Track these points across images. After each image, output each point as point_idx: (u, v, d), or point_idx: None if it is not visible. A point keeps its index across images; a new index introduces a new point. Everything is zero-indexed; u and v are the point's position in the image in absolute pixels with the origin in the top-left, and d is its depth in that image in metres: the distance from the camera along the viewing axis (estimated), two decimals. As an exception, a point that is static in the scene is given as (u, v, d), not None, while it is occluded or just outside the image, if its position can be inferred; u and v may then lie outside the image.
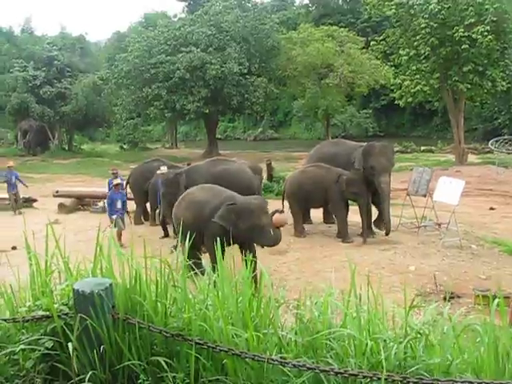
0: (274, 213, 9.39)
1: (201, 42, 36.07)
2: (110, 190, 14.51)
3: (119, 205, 13.26)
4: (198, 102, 35.10)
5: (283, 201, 13.93)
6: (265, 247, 9.63)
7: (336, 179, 12.88)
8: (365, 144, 13.72)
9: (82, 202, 18.30)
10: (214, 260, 7.42)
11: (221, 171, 13.03)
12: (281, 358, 2.39)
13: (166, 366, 2.52)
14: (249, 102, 37.28)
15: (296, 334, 2.58)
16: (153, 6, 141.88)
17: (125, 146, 47.66)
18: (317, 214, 14.34)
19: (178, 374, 2.50)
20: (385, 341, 2.40)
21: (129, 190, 15.74)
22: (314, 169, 13.76)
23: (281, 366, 2.37)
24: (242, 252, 8.80)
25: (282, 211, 9.31)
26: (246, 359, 2.41)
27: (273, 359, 2.35)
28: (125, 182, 15.46)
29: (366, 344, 2.37)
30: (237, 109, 38.97)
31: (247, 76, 36.33)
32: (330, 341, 2.47)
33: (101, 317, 2.57)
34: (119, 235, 12.22)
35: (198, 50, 35.19)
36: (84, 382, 2.48)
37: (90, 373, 2.52)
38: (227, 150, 41.72)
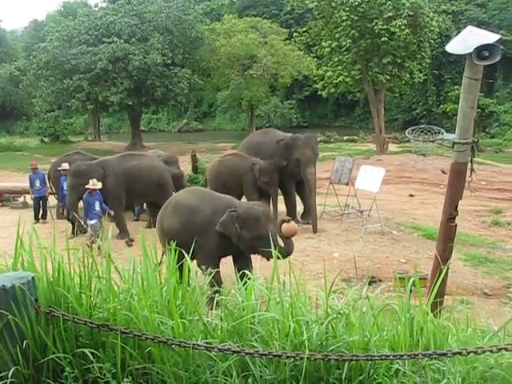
0: (282, 222, 8.28)
1: (123, 32, 35.40)
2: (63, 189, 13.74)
3: (97, 207, 11.74)
4: (121, 93, 34.44)
5: None
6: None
7: (251, 168, 13.03)
8: (284, 137, 13.74)
9: (1, 198, 17.62)
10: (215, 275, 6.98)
11: (131, 167, 12.98)
12: (206, 343, 2.43)
13: (91, 357, 2.50)
14: (173, 94, 36.92)
15: (221, 319, 2.62)
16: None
17: (45, 140, 46.10)
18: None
19: (105, 364, 2.49)
20: (307, 322, 2.48)
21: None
22: (230, 158, 14.02)
23: (207, 351, 2.41)
24: (234, 263, 8.46)
25: (289, 220, 8.44)
26: (173, 346, 2.43)
27: (199, 345, 2.38)
28: (46, 176, 15.06)
29: (289, 326, 2.45)
30: (161, 100, 38.52)
31: (171, 67, 35.92)
32: (254, 325, 2.54)
33: (23, 311, 2.52)
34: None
35: (121, 40, 34.51)
36: (6, 379, 2.43)
37: (13, 369, 2.47)
38: (152, 142, 41.20)
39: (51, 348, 2.55)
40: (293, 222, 8.58)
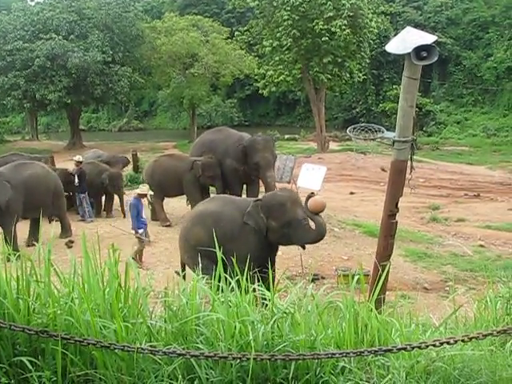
0: (308, 198, 7.49)
1: (62, 28, 34.54)
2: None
3: (144, 214, 10.87)
4: (59, 91, 33.55)
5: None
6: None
7: (189, 167, 12.94)
8: (239, 137, 13.57)
9: None
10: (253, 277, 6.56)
11: (28, 177, 11.71)
12: (151, 346, 2.38)
13: (30, 366, 2.41)
14: (113, 92, 36.30)
15: (165, 321, 2.58)
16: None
17: (-20, 139, 44.63)
18: (182, 203, 14.28)
19: (44, 372, 2.40)
20: (253, 322, 2.47)
21: None
22: (165, 158, 14.04)
23: (151, 355, 2.36)
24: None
25: (312, 193, 7.67)
26: (116, 350, 2.37)
27: (143, 348, 2.33)
28: None
29: (235, 327, 2.42)
30: (101, 99, 37.75)
31: (111, 65, 35.29)
32: (199, 326, 2.50)
33: (-46, 319, 2.41)
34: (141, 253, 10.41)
35: (59, 37, 33.59)
36: None
37: None
38: (92, 142, 40.44)
39: (-15, 358, 2.44)
40: (318, 196, 8.02)
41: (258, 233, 7.37)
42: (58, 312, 2.50)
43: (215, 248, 6.51)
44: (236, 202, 8.14)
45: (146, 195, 11.20)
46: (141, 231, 10.45)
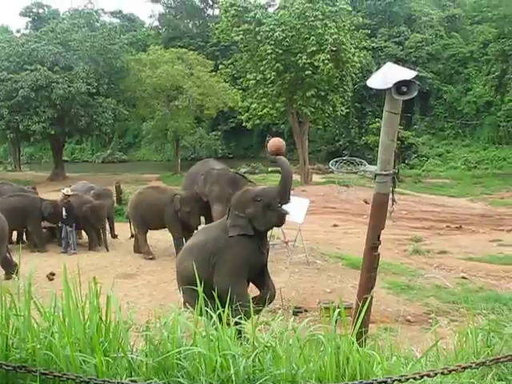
0: (266, 142, 7.31)
1: (47, 60, 34.62)
2: None
3: None
4: (43, 122, 33.53)
5: (130, 223, 14.01)
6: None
7: (171, 200, 12.89)
8: (219, 169, 13.53)
9: None
10: (241, 296, 6.37)
11: None
12: (131, 381, 2.36)
13: (7, 403, 2.37)
14: (97, 124, 36.27)
15: (146, 355, 2.56)
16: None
17: (-38, 169, 44.36)
18: (166, 236, 14.19)
19: (22, 408, 2.37)
20: (234, 356, 2.46)
21: None
22: (149, 191, 14.01)
23: (131, 390, 2.34)
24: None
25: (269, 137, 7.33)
26: (95, 385, 2.34)
27: (123, 383, 2.31)
28: None
29: (216, 361, 2.41)
30: (85, 130, 37.73)
31: (95, 96, 35.41)
32: (180, 360, 2.48)
33: None
34: None
35: (44, 68, 33.71)
36: None
37: None
38: (75, 173, 40.28)
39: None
40: (276, 138, 7.72)
41: (244, 239, 7.23)
42: (38, 347, 2.47)
43: (206, 273, 6.63)
44: (220, 222, 7.98)
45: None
46: None
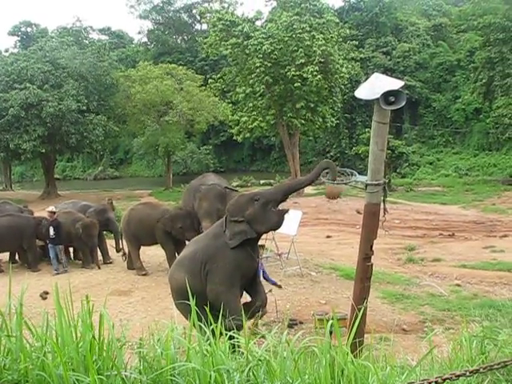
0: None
1: (36, 78, 34.60)
2: None
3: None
4: (34, 140, 33.43)
5: (122, 239, 13.95)
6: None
7: (161, 216, 12.73)
8: (217, 183, 13.38)
9: None
10: (234, 307, 6.47)
11: None
12: (125, 399, 2.34)
13: (0, 425, 2.35)
14: (88, 141, 36.22)
15: (140, 373, 2.54)
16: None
17: (-49, 189, 44.14)
18: (159, 251, 14.14)
19: (15, 430, 2.34)
20: (228, 371, 2.45)
21: None
22: (141, 207, 13.87)
23: (126, 408, 2.32)
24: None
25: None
26: (89, 404, 2.33)
27: (117, 401, 2.30)
28: None
29: (210, 376, 2.40)
30: (75, 147, 37.63)
31: (86, 114, 35.37)
32: (174, 376, 2.47)
33: None
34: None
35: (34, 86, 33.69)
36: None
37: None
38: (67, 191, 40.22)
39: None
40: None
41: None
42: (30, 367, 2.45)
43: (199, 283, 6.60)
44: (208, 232, 7.87)
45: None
46: None
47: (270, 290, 9.45)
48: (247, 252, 7.18)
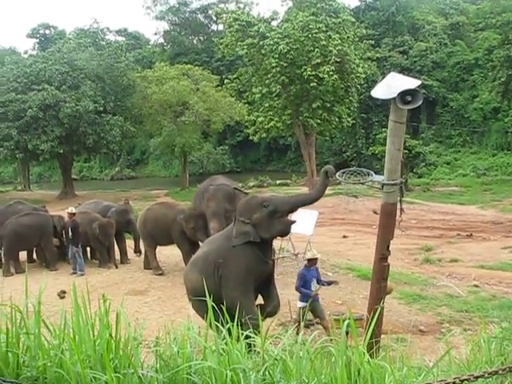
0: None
1: (54, 79, 34.88)
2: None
3: (313, 287, 9.07)
4: (51, 141, 33.73)
5: (139, 239, 14.07)
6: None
7: (176, 217, 12.73)
8: (229, 185, 13.35)
9: None
10: (249, 309, 6.43)
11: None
12: (142, 397, 2.35)
13: (18, 421, 2.37)
14: (105, 141, 36.44)
15: (156, 371, 2.54)
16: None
17: (-28, 189, 44.61)
18: (175, 251, 14.17)
19: (34, 427, 2.37)
20: (244, 370, 2.44)
21: None
22: (157, 207, 13.94)
23: (142, 406, 2.33)
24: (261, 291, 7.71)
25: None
26: (106, 402, 2.34)
27: (134, 400, 2.30)
28: None
29: (226, 375, 2.40)
30: (93, 148, 37.91)
31: (103, 114, 35.60)
32: (190, 375, 2.47)
33: None
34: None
35: (52, 87, 33.96)
36: None
37: None
38: (84, 191, 40.46)
39: (-29, 415, 2.40)
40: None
41: (246, 249, 7.24)
42: (48, 364, 2.47)
43: (213, 284, 6.61)
44: (222, 233, 8.07)
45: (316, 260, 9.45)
46: (301, 304, 8.70)
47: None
48: (258, 255, 7.27)
